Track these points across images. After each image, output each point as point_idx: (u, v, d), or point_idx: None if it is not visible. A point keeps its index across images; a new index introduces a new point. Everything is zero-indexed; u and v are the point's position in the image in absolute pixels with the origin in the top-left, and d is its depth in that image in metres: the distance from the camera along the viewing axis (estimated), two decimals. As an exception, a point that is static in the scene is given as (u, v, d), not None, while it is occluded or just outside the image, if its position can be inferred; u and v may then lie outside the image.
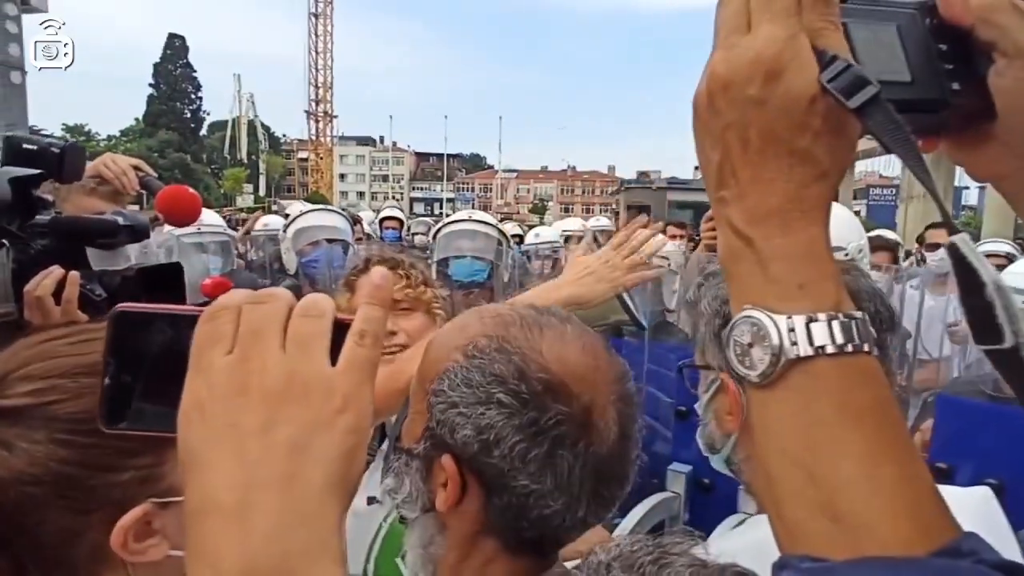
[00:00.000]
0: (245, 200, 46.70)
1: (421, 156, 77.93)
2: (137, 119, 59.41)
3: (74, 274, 1.09)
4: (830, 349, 0.38)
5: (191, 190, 1.66)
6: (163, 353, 0.38)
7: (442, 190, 68.26)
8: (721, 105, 0.40)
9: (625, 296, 1.39)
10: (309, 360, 0.35)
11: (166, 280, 1.20)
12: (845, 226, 1.91)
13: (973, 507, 0.80)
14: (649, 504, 1.80)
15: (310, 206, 3.08)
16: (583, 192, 73.19)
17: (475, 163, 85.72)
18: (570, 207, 64.17)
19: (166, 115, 57.46)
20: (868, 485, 0.37)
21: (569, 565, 0.67)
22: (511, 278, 2.58)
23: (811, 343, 0.38)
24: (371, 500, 1.24)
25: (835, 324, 0.38)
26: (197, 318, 0.37)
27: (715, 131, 0.41)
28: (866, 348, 0.39)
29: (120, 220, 1.19)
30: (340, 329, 0.37)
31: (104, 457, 0.53)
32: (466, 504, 0.60)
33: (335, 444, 0.35)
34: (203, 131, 63.08)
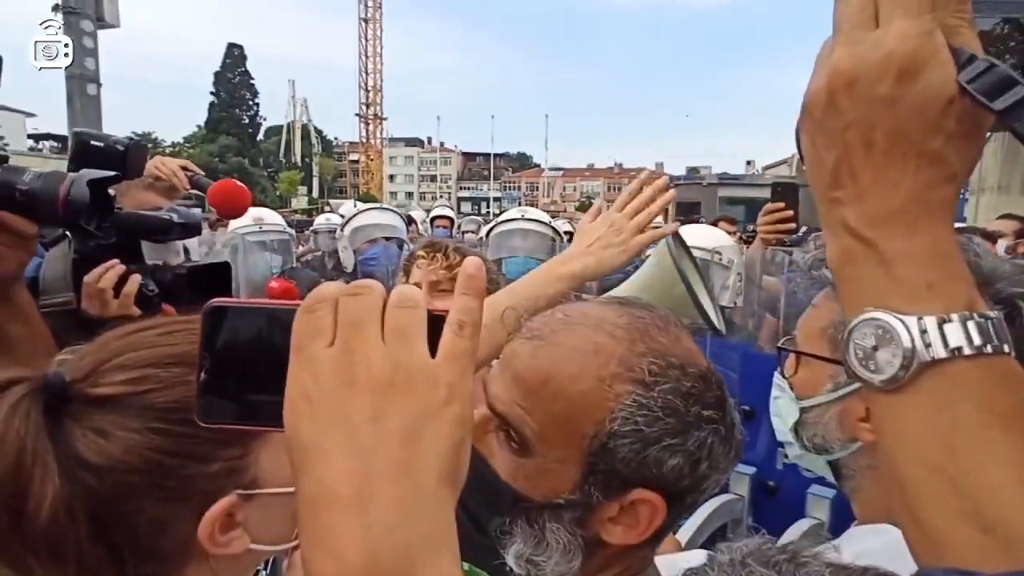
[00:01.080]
0: (300, 202, 48.25)
1: (468, 156, 78.62)
2: (199, 126, 62.29)
3: (136, 276, 1.14)
4: (967, 351, 0.37)
5: (238, 183, 1.74)
6: (258, 347, 0.38)
7: (489, 189, 68.62)
8: (844, 103, 0.39)
9: (701, 297, 1.34)
10: (411, 351, 0.35)
11: (215, 278, 1.25)
12: None
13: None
14: (712, 506, 1.74)
15: (364, 205, 3.14)
16: (631, 189, 72.03)
17: (521, 162, 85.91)
18: (618, 205, 63.25)
19: (226, 121, 59.94)
20: (1022, 492, 0.35)
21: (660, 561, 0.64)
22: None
23: (946, 345, 0.37)
24: None
25: (970, 324, 0.37)
26: (292, 312, 0.36)
27: (833, 130, 0.40)
28: (1005, 349, 0.37)
29: (175, 217, 1.25)
30: (432, 320, 0.36)
31: (197, 447, 0.53)
32: (646, 529, 0.58)
33: (445, 435, 0.34)
34: (260, 136, 65.49)
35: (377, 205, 3.04)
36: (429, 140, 78.56)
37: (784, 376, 0.82)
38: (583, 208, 53.99)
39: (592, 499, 0.56)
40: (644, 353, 0.57)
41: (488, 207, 55.80)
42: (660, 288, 1.33)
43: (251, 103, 62.72)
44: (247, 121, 62.66)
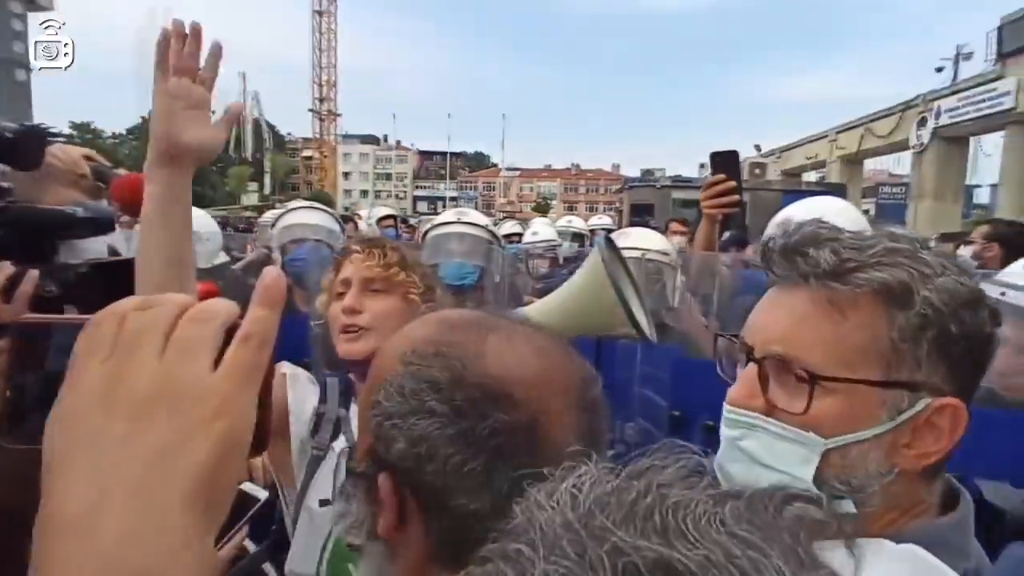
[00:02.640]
0: (250, 198, 46.83)
1: (424, 154, 77.90)
2: (143, 117, 59.54)
3: (33, 272, 1.03)
4: None
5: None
6: (60, 364, 0.37)
7: (445, 189, 68.15)
8: None
9: (634, 306, 1.27)
10: (187, 365, 0.35)
11: (121, 276, 1.11)
12: (845, 222, 1.75)
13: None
14: None
15: (294, 204, 2.95)
16: (587, 190, 73.00)
17: (479, 161, 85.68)
18: (574, 206, 64.01)
19: (171, 113, 57.51)
20: None
21: None
22: (502, 280, 2.44)
23: None
24: (323, 502, 1.19)
25: None
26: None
27: None
28: None
29: (79, 212, 1.13)
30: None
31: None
32: (409, 529, 0.54)
33: (203, 452, 0.34)
34: (207, 129, 63.06)
35: (307, 204, 2.84)
36: (385, 138, 77.49)
37: (755, 408, 0.65)
38: (540, 208, 54.24)
39: (367, 472, 0.56)
40: (430, 340, 0.56)
41: (444, 206, 55.47)
42: (591, 293, 1.25)
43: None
44: (194, 114, 60.30)
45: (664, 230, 5.04)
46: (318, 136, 65.09)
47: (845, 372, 0.61)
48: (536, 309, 1.37)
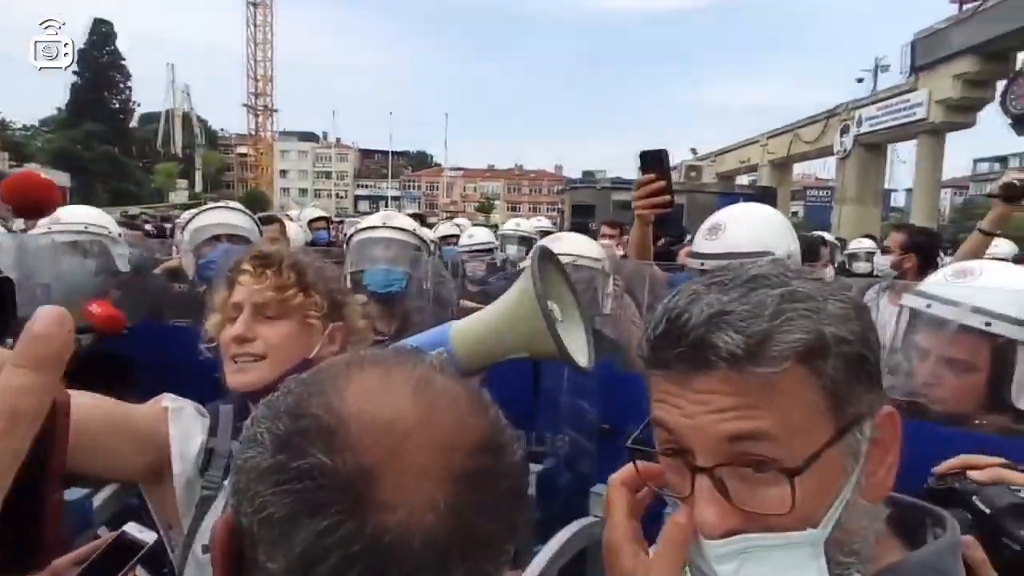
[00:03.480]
0: (179, 196, 44.58)
1: (366, 153, 76.37)
2: (60, 108, 55.76)
3: None
4: None
5: (42, 175, 1.45)
6: None
7: (388, 188, 67.03)
8: None
9: (572, 331, 1.17)
10: None
11: None
12: (776, 230, 1.75)
13: None
14: (570, 531, 1.60)
15: (210, 204, 2.73)
16: (530, 191, 73.45)
17: (421, 161, 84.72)
18: (517, 206, 64.35)
19: (92, 105, 54.05)
20: None
21: None
22: (430, 286, 2.33)
23: None
24: (205, 548, 1.06)
25: None
26: None
27: None
28: None
29: None
30: None
31: None
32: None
33: None
34: (133, 123, 59.72)
35: (222, 204, 2.64)
36: (324, 135, 75.54)
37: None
38: (483, 209, 54.20)
39: None
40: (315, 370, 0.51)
41: (387, 206, 54.55)
42: (521, 319, 1.14)
43: (122, 86, 56.91)
44: (118, 106, 56.74)
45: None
46: (253, 132, 62.72)
47: (803, 448, 0.54)
48: (464, 327, 1.25)
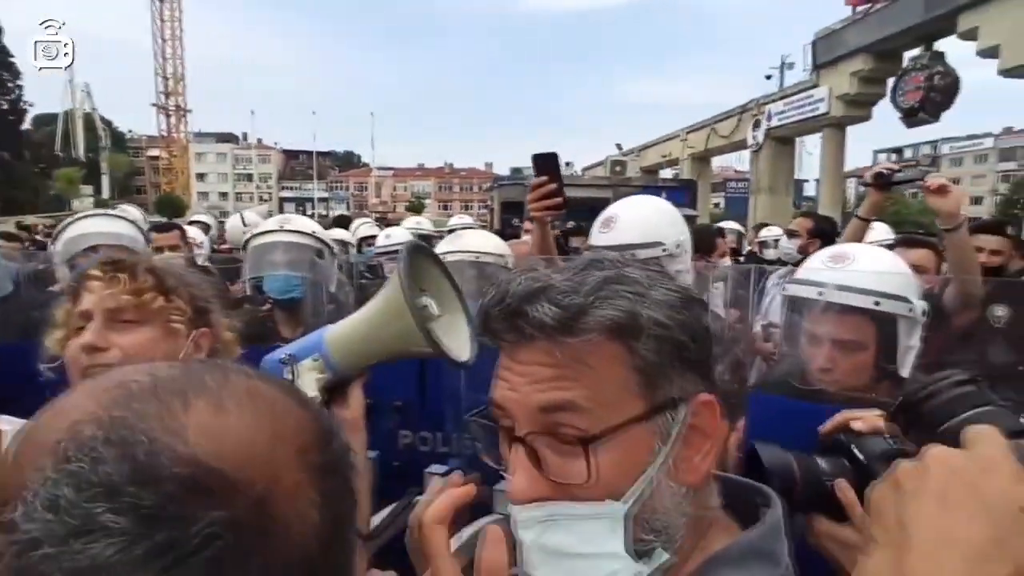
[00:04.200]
0: (84, 203, 41.51)
1: (290, 154, 73.78)
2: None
3: None
4: None
5: None
6: None
7: (314, 189, 65.00)
8: None
9: (452, 325, 1.14)
10: None
11: None
12: (665, 222, 1.79)
13: None
14: (472, 529, 1.59)
15: (87, 212, 2.51)
16: (462, 189, 73.22)
17: (348, 161, 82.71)
18: (448, 204, 63.99)
19: (-23, 106, 49.59)
20: None
21: None
22: (335, 292, 2.25)
23: None
24: None
25: None
26: None
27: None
28: None
29: None
30: None
31: None
32: None
33: None
34: (26, 124, 55.14)
35: (101, 211, 2.44)
36: (244, 136, 72.39)
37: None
38: (414, 208, 53.48)
39: None
40: (97, 420, 0.40)
41: (314, 207, 52.82)
42: (392, 317, 1.10)
43: (11, 85, 52.35)
44: (7, 107, 52.23)
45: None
46: (165, 134, 59.23)
47: (610, 421, 0.56)
48: (338, 331, 1.20)
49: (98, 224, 2.36)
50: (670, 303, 0.59)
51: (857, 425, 0.99)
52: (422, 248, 1.24)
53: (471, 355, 1.12)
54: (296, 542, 0.42)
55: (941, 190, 1.93)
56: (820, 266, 1.52)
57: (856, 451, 0.98)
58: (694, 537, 0.62)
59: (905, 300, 1.41)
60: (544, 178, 1.72)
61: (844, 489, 0.92)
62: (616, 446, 0.56)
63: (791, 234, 4.58)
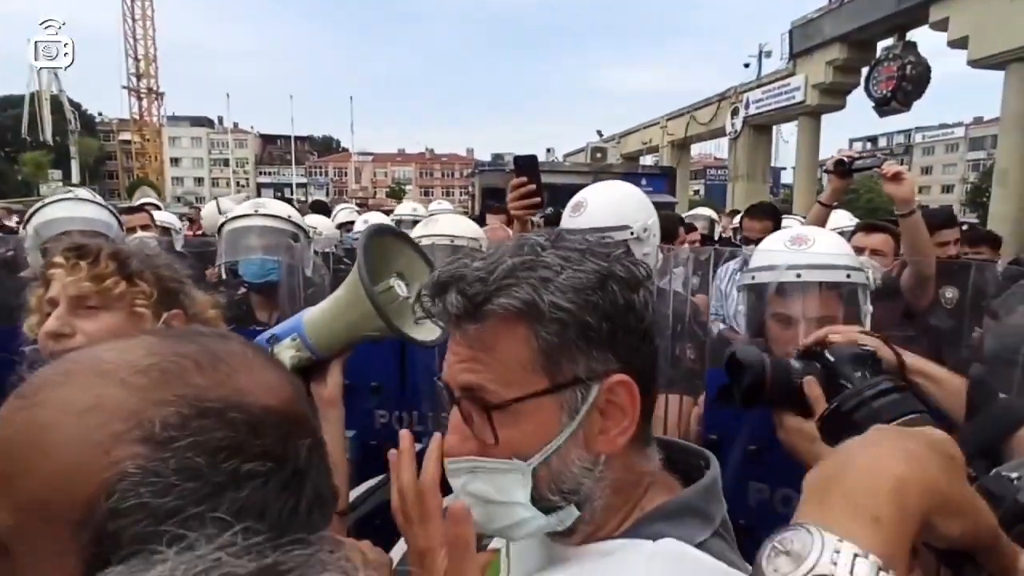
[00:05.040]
0: (52, 187, 40.40)
1: (267, 139, 72.51)
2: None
3: None
4: None
5: None
6: None
7: (292, 175, 64.03)
8: None
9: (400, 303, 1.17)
10: None
11: None
12: (633, 206, 1.85)
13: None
14: (447, 502, 1.65)
15: (57, 195, 2.48)
16: (443, 175, 72.72)
17: (327, 146, 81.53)
18: (430, 190, 63.51)
19: (-62, 87, 47.78)
20: None
21: None
22: (311, 275, 2.27)
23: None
24: None
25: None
26: None
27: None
28: None
29: None
30: None
31: None
32: None
33: None
34: (-9, 107, 53.37)
35: (71, 195, 2.42)
36: (220, 120, 70.86)
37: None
38: (394, 194, 52.99)
39: None
40: (164, 402, 0.44)
41: (292, 193, 52.04)
42: (358, 299, 1.13)
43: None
44: (-30, 88, 50.61)
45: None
46: (137, 117, 57.75)
47: (513, 394, 0.63)
48: (314, 313, 1.23)
49: (69, 208, 2.34)
50: (578, 286, 0.61)
51: (835, 337, 1.07)
52: (388, 230, 1.26)
53: (441, 335, 1.13)
54: (327, 460, 0.53)
55: (896, 177, 2.01)
56: (785, 250, 1.58)
57: (827, 354, 1.05)
58: (630, 497, 0.67)
59: (862, 270, 1.53)
60: (524, 179, 1.80)
61: (811, 384, 1.01)
62: (522, 418, 0.63)
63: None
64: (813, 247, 1.54)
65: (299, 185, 60.07)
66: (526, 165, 1.84)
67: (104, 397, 0.44)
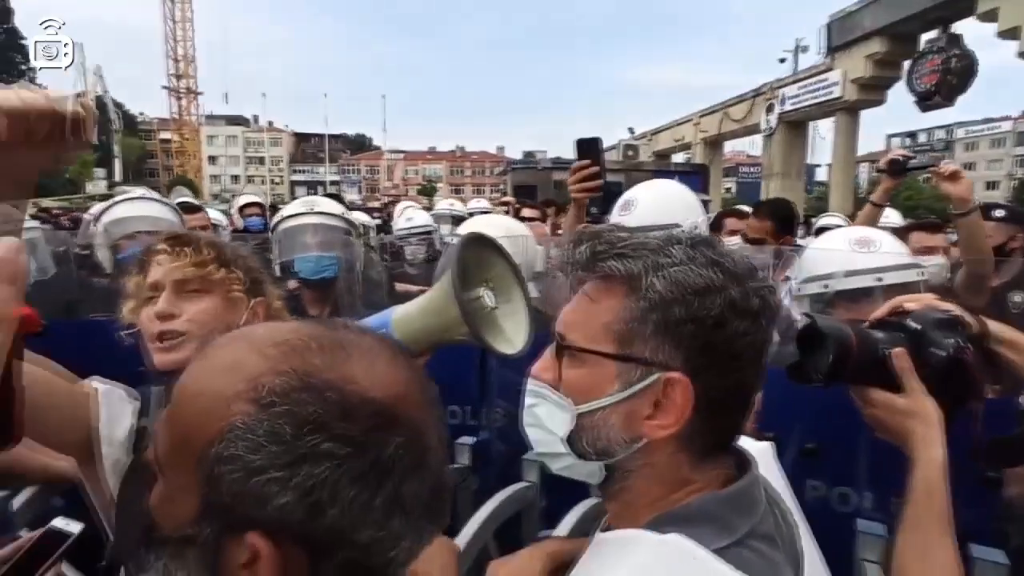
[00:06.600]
0: (97, 186, 41.83)
1: (301, 137, 73.70)
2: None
3: None
4: None
5: None
6: None
7: (326, 172, 65.05)
8: None
9: (513, 312, 1.17)
10: None
11: None
12: (682, 204, 1.86)
13: (761, 456, 0.79)
14: (503, 495, 1.69)
15: (123, 195, 2.61)
16: (473, 173, 72.97)
17: (360, 144, 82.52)
18: (460, 188, 63.80)
19: (-10, 89, 49.73)
20: None
21: None
22: (361, 271, 2.34)
23: None
24: None
25: None
26: None
27: None
28: None
29: None
30: None
31: None
32: None
33: None
34: (40, 108, 55.29)
35: (138, 194, 2.53)
36: (255, 119, 72.31)
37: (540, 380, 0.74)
38: (425, 192, 53.46)
39: (210, 538, 0.49)
40: (280, 372, 0.49)
41: (325, 191, 52.90)
42: (446, 307, 1.13)
43: (24, 68, 52.61)
44: (20, 90, 52.53)
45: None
46: (177, 116, 59.36)
47: (583, 344, 0.70)
48: (402, 312, 1.24)
49: (137, 208, 2.46)
50: (683, 282, 0.65)
51: (911, 305, 0.99)
52: (482, 239, 1.19)
53: (523, 347, 1.13)
54: (432, 464, 0.53)
55: (953, 176, 1.99)
56: (854, 253, 1.52)
57: (910, 322, 0.96)
58: (665, 495, 0.69)
59: (920, 266, 1.54)
60: (586, 162, 1.79)
61: (902, 355, 0.92)
62: (584, 368, 0.70)
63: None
64: (882, 247, 1.50)
65: (332, 183, 60.98)
66: (589, 147, 1.82)
67: (242, 361, 0.50)
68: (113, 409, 1.14)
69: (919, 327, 0.95)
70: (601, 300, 0.69)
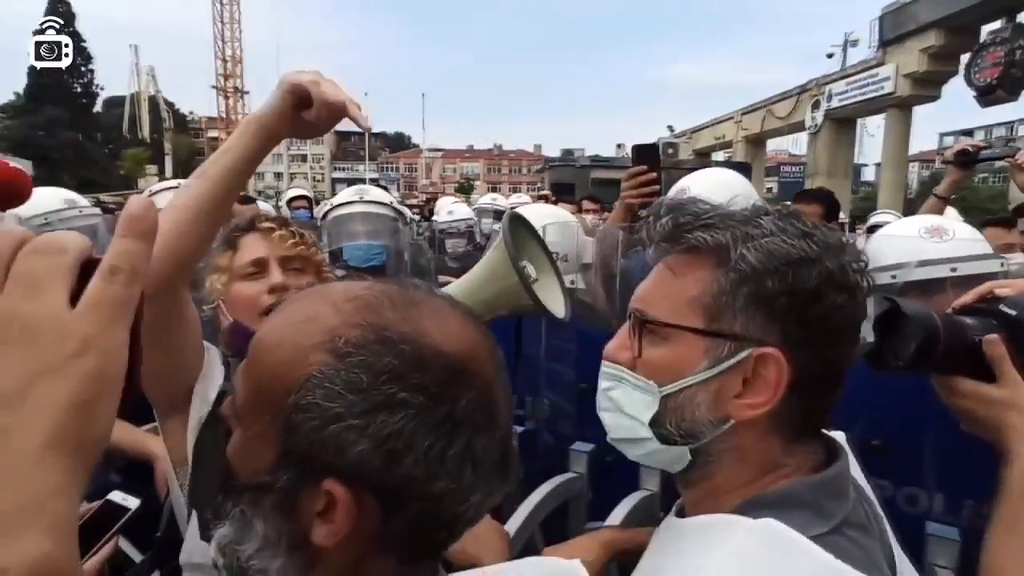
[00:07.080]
0: (149, 183, 43.42)
1: (342, 135, 75.01)
2: (17, 93, 53.75)
3: None
4: None
5: (12, 164, 1.44)
6: None
7: (365, 171, 66.12)
8: None
9: (545, 286, 1.24)
10: (35, 300, 0.33)
11: None
12: (732, 193, 1.81)
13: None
14: (551, 485, 1.69)
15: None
16: (510, 171, 73.13)
17: (399, 142, 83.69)
18: (497, 186, 63.95)
19: (53, 90, 52.17)
20: None
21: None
22: (410, 259, 2.37)
23: None
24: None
25: None
26: None
27: None
28: None
29: None
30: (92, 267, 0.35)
31: None
32: (358, 529, 0.49)
33: (65, 392, 0.32)
34: (97, 107, 57.88)
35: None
36: (299, 117, 73.79)
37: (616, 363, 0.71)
38: (462, 189, 53.79)
39: (287, 485, 0.50)
40: (356, 324, 0.50)
41: (364, 189, 53.64)
42: (498, 278, 1.21)
43: (84, 69, 55.02)
44: (80, 90, 54.81)
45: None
46: (224, 115, 61.17)
47: (668, 320, 0.67)
48: (451, 290, 1.32)
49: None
50: (776, 253, 0.62)
51: (1003, 291, 0.91)
52: (520, 218, 1.35)
53: (567, 313, 1.24)
54: (502, 423, 0.54)
55: (1030, 166, 1.89)
56: (926, 242, 1.44)
57: (1005, 308, 0.89)
58: (754, 478, 0.66)
59: (1002, 257, 1.46)
60: (643, 167, 1.79)
61: (995, 342, 0.85)
62: (669, 344, 0.66)
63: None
64: (957, 235, 1.42)
65: (371, 180, 61.94)
66: (647, 153, 1.83)
67: (319, 314, 0.51)
68: (212, 368, 1.18)
69: (1014, 313, 0.87)
70: (686, 273, 0.66)
